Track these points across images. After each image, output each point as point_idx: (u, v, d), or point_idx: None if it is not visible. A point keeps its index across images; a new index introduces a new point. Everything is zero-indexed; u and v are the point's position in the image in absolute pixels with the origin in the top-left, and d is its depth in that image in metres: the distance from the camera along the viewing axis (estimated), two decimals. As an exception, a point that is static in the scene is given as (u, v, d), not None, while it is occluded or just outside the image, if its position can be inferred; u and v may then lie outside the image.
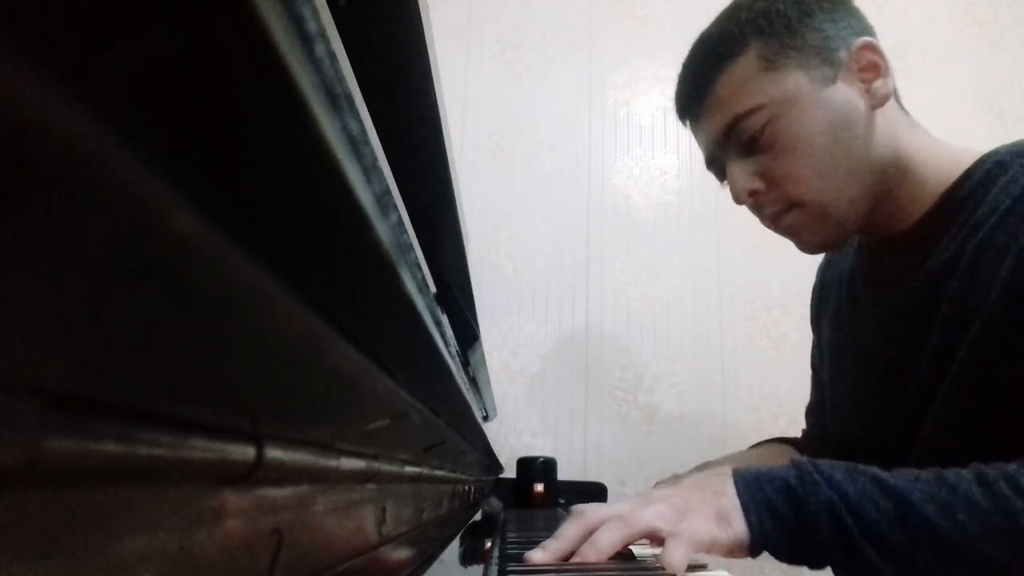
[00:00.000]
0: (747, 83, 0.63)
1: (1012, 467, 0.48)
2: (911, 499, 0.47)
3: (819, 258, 0.88)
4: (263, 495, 0.19)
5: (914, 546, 0.47)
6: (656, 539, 0.50)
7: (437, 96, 0.35)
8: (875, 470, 0.51)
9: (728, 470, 0.54)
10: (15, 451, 0.09)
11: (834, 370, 0.81)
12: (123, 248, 0.09)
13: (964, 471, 0.49)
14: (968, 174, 0.62)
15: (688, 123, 0.72)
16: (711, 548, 0.50)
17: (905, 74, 1.70)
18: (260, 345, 0.14)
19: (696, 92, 0.67)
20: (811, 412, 0.93)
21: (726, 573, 0.50)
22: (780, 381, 1.46)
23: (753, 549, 0.51)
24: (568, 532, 0.50)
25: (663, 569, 0.47)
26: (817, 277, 0.89)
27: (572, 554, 0.49)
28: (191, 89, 0.08)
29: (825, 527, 0.49)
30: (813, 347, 0.92)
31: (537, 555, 0.49)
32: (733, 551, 0.51)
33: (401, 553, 0.38)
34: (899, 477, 0.50)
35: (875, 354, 0.71)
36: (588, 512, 0.52)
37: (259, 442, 0.17)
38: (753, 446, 0.87)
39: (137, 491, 0.13)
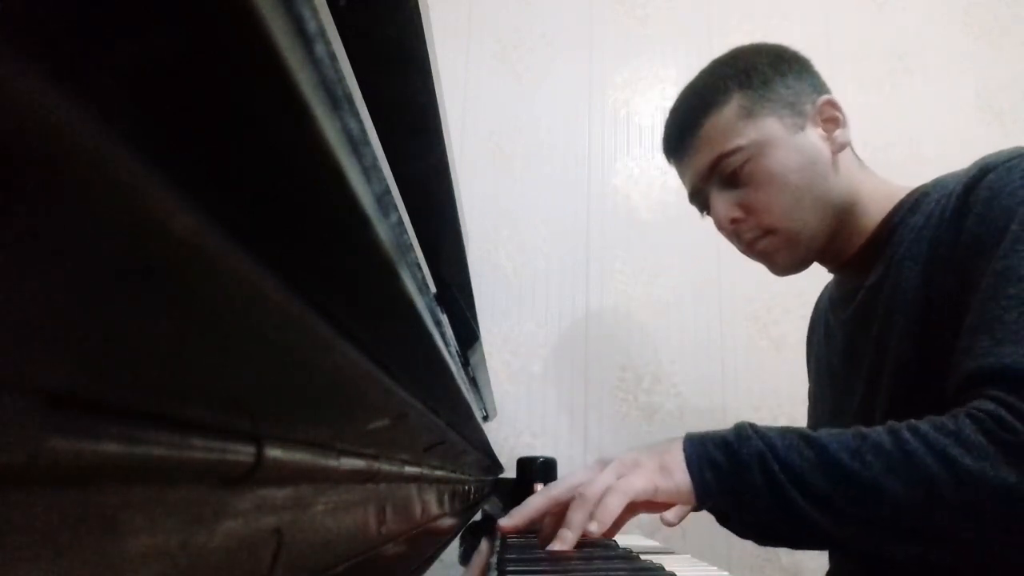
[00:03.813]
0: (730, 127, 0.74)
1: (918, 421, 0.55)
2: (829, 447, 0.55)
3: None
4: (263, 495, 0.19)
5: (831, 487, 0.54)
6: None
7: (437, 96, 0.35)
8: (805, 429, 0.58)
9: (680, 436, 0.62)
10: (15, 451, 0.09)
11: (818, 398, 0.93)
12: (123, 248, 0.09)
13: (880, 427, 0.56)
14: (900, 204, 0.74)
15: (674, 161, 0.83)
16: (655, 495, 0.58)
17: (905, 74, 1.70)
18: (260, 345, 0.14)
19: (684, 132, 0.78)
20: None
21: (726, 574, 0.50)
22: (780, 381, 1.46)
23: (697, 497, 0.58)
24: (534, 504, 0.61)
25: (662, 569, 0.47)
26: (809, 324, 1.00)
27: (549, 536, 0.58)
28: (191, 89, 0.08)
29: (756, 472, 0.56)
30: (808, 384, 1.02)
31: (505, 522, 0.61)
32: (678, 498, 0.59)
33: (401, 553, 0.38)
34: (823, 433, 0.57)
35: (839, 368, 0.83)
36: (551, 487, 0.63)
37: (259, 442, 0.17)
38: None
39: (137, 491, 0.13)
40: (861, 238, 0.76)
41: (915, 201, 0.72)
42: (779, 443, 0.57)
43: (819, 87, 0.77)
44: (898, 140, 1.65)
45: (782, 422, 1.43)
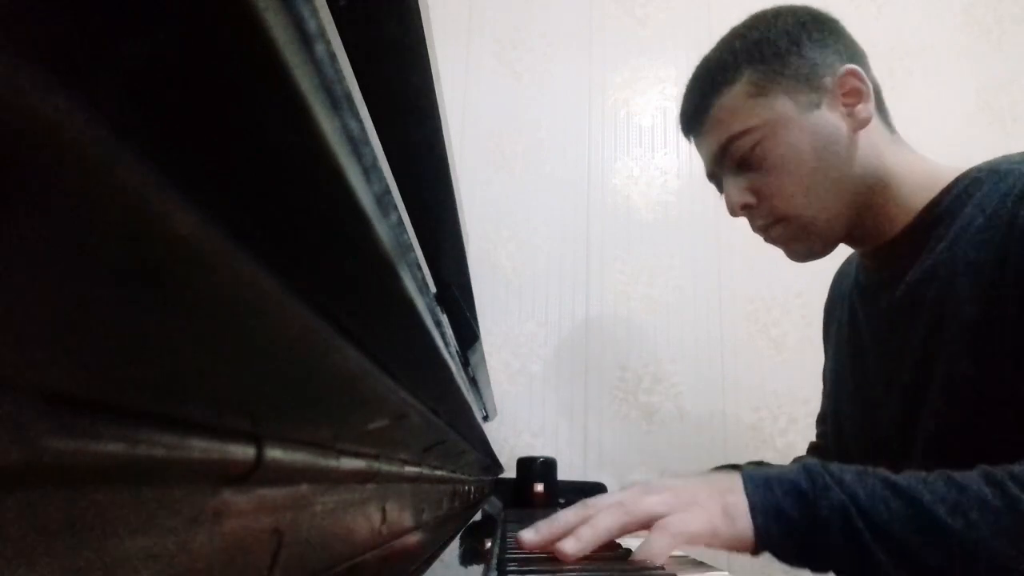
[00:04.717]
0: (739, 107, 0.69)
1: (1018, 468, 0.49)
2: (922, 500, 0.48)
3: (820, 260, 0.89)
4: (263, 495, 0.19)
5: (925, 546, 0.47)
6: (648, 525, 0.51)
7: (437, 96, 0.35)
8: (885, 473, 0.51)
9: (736, 472, 0.55)
10: (15, 451, 0.09)
11: (837, 381, 0.85)
12: (123, 248, 0.09)
13: (972, 472, 0.50)
14: (947, 190, 0.66)
15: (691, 139, 0.78)
16: (711, 540, 0.51)
17: (905, 74, 1.70)
18: (260, 345, 0.14)
19: (695, 114, 0.73)
20: (820, 422, 0.97)
21: (726, 574, 0.50)
22: (780, 381, 1.47)
23: (756, 549, 0.51)
24: (565, 517, 0.53)
25: (663, 569, 0.47)
26: (828, 293, 0.93)
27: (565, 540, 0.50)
28: (191, 89, 0.08)
29: (836, 530, 0.49)
30: (824, 359, 0.95)
31: (528, 535, 0.52)
32: (734, 546, 0.52)
33: (401, 553, 0.38)
34: (909, 479, 0.50)
35: (870, 363, 0.75)
36: (590, 502, 0.54)
37: (259, 442, 0.17)
38: (711, 469, 0.89)
39: (137, 491, 0.13)
40: (898, 222, 0.69)
41: (964, 188, 0.64)
42: (861, 492, 0.50)
43: (844, 53, 0.70)
44: (898, 140, 1.65)
45: (782, 422, 1.44)
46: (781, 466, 0.55)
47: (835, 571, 0.52)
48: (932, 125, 1.64)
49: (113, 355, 0.11)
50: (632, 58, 1.67)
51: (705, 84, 0.72)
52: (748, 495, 0.52)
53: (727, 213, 0.76)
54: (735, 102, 0.69)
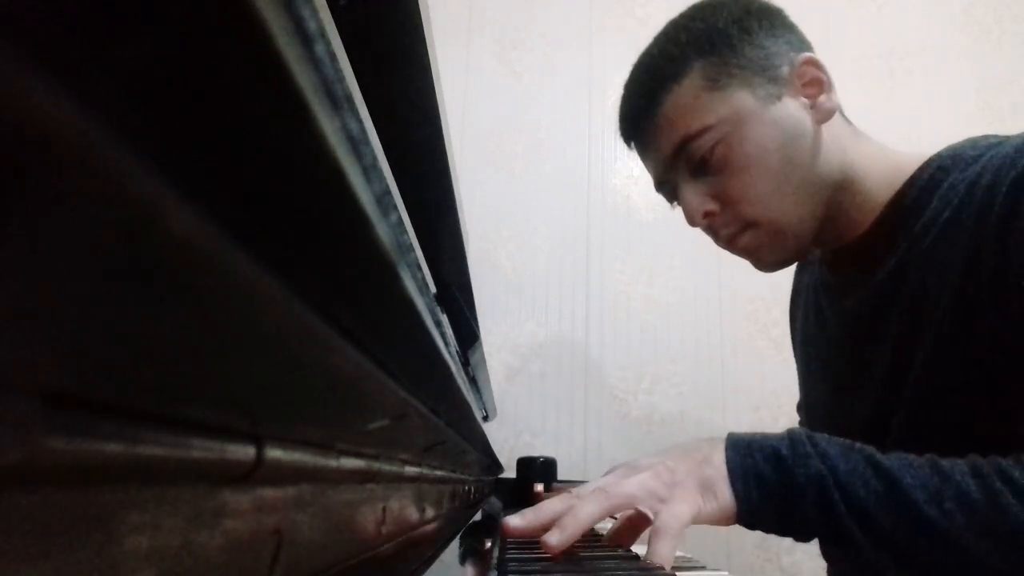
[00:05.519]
0: (694, 103, 0.62)
1: (1006, 462, 0.48)
2: (902, 482, 0.47)
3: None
4: (263, 495, 0.19)
5: (899, 528, 0.47)
6: (641, 518, 0.51)
7: (437, 96, 0.35)
8: (871, 450, 0.51)
9: (722, 436, 0.54)
10: (15, 451, 0.09)
11: (806, 376, 0.84)
12: (123, 248, 0.09)
13: (960, 462, 0.49)
14: (911, 181, 0.63)
15: (634, 146, 0.71)
16: (696, 520, 0.50)
17: (905, 74, 1.70)
18: (260, 345, 0.14)
19: (642, 114, 0.66)
20: (799, 410, 0.96)
21: (726, 574, 0.50)
22: (780, 381, 1.47)
23: (740, 518, 0.51)
24: (550, 505, 0.52)
25: (663, 569, 0.47)
26: (792, 284, 0.90)
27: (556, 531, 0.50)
28: (191, 89, 0.08)
29: (811, 500, 0.49)
30: (793, 349, 0.94)
31: (514, 521, 0.52)
32: (720, 519, 0.51)
33: (401, 553, 0.38)
34: (894, 460, 0.49)
35: (838, 363, 0.73)
36: (574, 489, 0.54)
37: (259, 442, 0.17)
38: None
39: (137, 491, 0.13)
40: (863, 219, 0.65)
41: (929, 179, 0.61)
42: (841, 466, 0.49)
43: (796, 44, 0.65)
44: (898, 140, 1.65)
45: (782, 422, 1.44)
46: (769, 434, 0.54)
47: (807, 538, 0.52)
48: (932, 125, 1.64)
49: (113, 355, 0.11)
50: (632, 58, 1.67)
51: (651, 82, 0.65)
52: (728, 460, 0.51)
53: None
54: (688, 98, 0.62)
